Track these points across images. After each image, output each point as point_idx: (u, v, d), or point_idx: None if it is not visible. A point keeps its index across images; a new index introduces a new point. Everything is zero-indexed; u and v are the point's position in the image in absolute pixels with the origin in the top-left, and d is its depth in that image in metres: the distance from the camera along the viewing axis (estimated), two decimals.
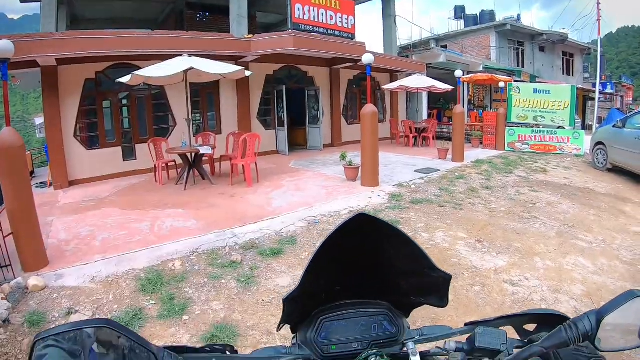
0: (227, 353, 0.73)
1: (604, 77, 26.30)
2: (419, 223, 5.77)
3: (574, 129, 12.70)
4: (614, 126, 9.60)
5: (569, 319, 0.65)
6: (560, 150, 12.24)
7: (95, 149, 9.05)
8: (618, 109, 21.59)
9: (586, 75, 29.44)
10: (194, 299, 3.65)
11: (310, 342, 0.77)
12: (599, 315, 0.59)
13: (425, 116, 16.83)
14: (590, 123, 20.92)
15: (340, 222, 0.70)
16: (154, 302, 3.58)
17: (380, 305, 0.80)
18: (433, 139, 13.76)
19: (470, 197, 7.18)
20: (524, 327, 0.78)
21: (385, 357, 0.72)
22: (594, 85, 20.39)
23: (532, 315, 0.75)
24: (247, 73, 7.42)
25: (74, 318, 3.33)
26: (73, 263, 4.24)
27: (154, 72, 6.63)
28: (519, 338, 0.77)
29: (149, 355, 0.53)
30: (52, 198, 7.43)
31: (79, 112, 8.65)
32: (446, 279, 0.78)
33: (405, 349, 0.77)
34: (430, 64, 16.30)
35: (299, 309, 0.79)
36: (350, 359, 0.75)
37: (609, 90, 26.69)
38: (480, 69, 18.01)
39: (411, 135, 13.65)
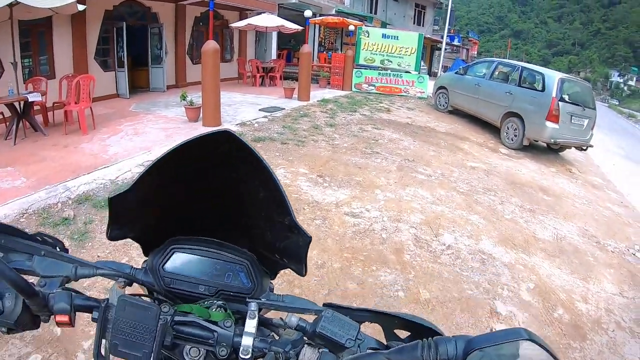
0: (57, 249, 0.72)
1: (452, 30, 29.77)
2: None
3: (419, 73, 14.17)
4: (456, 73, 11.34)
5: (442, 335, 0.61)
6: (405, 92, 13.85)
7: None
8: (463, 60, 24.86)
9: (436, 27, 33.13)
10: None
11: (155, 270, 0.75)
12: (470, 344, 0.55)
13: (274, 56, 17.35)
14: (435, 70, 23.73)
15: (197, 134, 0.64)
16: None
17: (243, 254, 0.78)
18: (281, 78, 14.50)
19: (314, 135, 7.32)
20: (394, 330, 0.72)
21: (229, 311, 0.72)
22: (442, 36, 22.89)
23: (405, 320, 0.70)
24: (80, 7, 7.14)
25: None
26: None
27: None
28: (385, 341, 0.71)
29: None
30: None
31: None
32: (305, 240, 0.74)
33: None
34: (282, 4, 16.54)
35: (136, 222, 0.78)
36: (192, 300, 0.74)
37: (456, 42, 30.55)
38: (333, 12, 19.20)
39: (258, 75, 13.92)
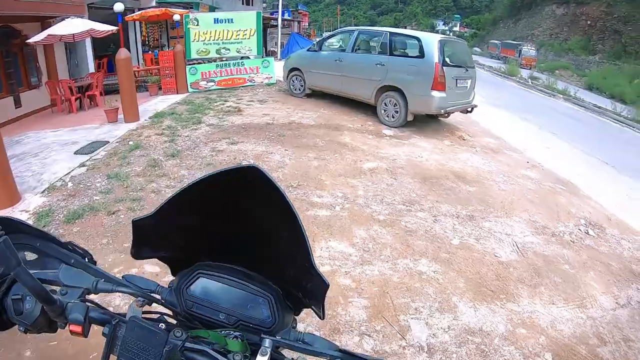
0: (86, 260, 0.77)
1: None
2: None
3: (262, 57, 12.65)
4: (309, 50, 9.93)
5: None
6: (250, 81, 12.31)
7: None
8: (298, 34, 24.12)
9: (264, 4, 31.90)
10: None
11: (179, 292, 0.79)
12: None
13: (92, 69, 13.91)
14: (272, 49, 22.50)
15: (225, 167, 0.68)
16: None
17: (268, 288, 0.79)
18: (101, 95, 11.67)
19: (153, 179, 5.04)
20: None
21: (245, 342, 0.73)
22: (272, 14, 21.68)
23: None
24: None
25: None
26: None
27: None
28: None
29: None
30: None
31: None
32: (324, 286, 0.74)
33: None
34: (92, 3, 13.25)
35: (164, 243, 0.83)
36: (211, 326, 0.76)
37: (287, 17, 29.77)
38: (153, 4, 16.85)
39: (73, 98, 10.61)
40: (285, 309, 0.80)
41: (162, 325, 0.71)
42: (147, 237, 0.79)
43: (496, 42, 37.93)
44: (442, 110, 7.30)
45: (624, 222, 5.34)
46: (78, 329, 0.68)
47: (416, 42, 7.42)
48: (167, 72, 11.61)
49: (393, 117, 7.74)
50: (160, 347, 0.65)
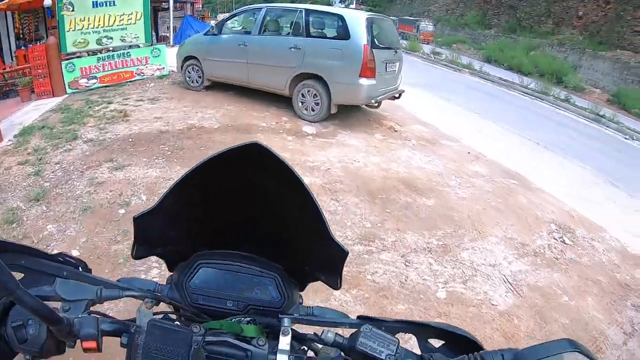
0: (80, 269, 0.74)
1: None
2: None
3: (151, 44, 10.74)
4: (207, 34, 8.30)
5: (481, 347, 0.66)
6: (139, 75, 10.29)
7: None
8: (191, 16, 22.04)
9: None
10: None
11: (181, 286, 0.77)
12: (518, 357, 0.58)
13: None
14: (164, 34, 20.31)
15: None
16: None
17: (271, 267, 0.79)
18: None
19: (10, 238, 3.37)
20: (428, 340, 0.73)
21: (259, 326, 0.73)
22: None
23: (441, 330, 0.71)
24: None
25: None
26: None
27: None
28: (419, 352, 0.72)
29: None
30: None
31: None
32: (342, 254, 0.75)
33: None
34: None
35: (161, 239, 0.81)
36: (220, 316, 0.75)
37: None
38: None
39: None
40: (291, 286, 0.79)
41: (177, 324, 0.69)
42: (147, 234, 0.77)
43: (394, 18, 38.23)
44: (373, 100, 6.38)
45: (585, 217, 5.10)
46: (92, 344, 0.64)
47: (339, 20, 6.35)
48: (39, 71, 9.19)
49: (313, 111, 6.66)
50: (187, 346, 0.61)
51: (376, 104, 6.86)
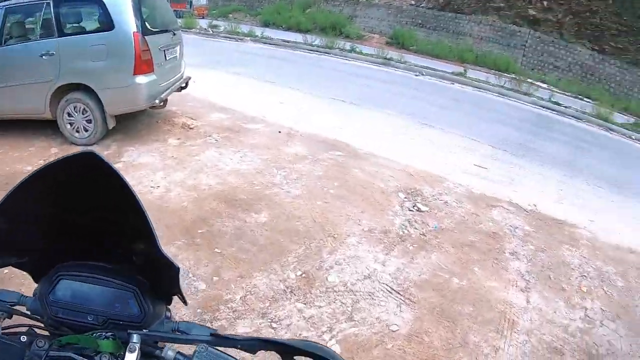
0: None
1: None
2: None
3: None
4: None
5: None
6: None
7: None
8: None
9: None
10: None
11: (42, 298, 0.76)
12: None
13: None
14: None
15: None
16: None
17: (132, 280, 0.76)
18: None
19: None
20: (294, 358, 0.72)
21: (118, 341, 0.71)
22: None
23: (303, 348, 0.69)
24: None
25: None
26: None
27: None
28: None
29: None
30: None
31: None
32: (173, 269, 0.72)
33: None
34: None
35: (12, 246, 0.77)
36: (82, 330, 0.73)
37: None
38: None
39: None
40: (154, 300, 0.77)
41: (24, 338, 0.70)
42: None
43: None
44: (157, 100, 5.08)
45: (421, 170, 5.03)
46: None
47: (98, 6, 4.78)
48: None
49: (86, 131, 5.05)
50: (19, 359, 0.63)
51: (162, 104, 5.52)
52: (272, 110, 6.65)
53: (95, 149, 4.99)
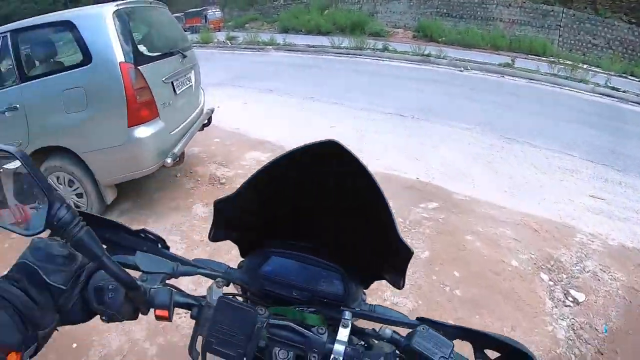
0: (159, 246, 0.77)
1: None
2: None
3: None
4: None
5: None
6: None
7: None
8: None
9: None
10: None
11: (252, 272, 0.80)
12: None
13: None
14: None
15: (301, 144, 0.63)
16: None
17: (339, 262, 0.79)
18: None
19: None
20: (485, 350, 0.71)
21: (321, 316, 0.74)
22: None
23: (499, 342, 0.68)
24: None
25: None
26: None
27: None
28: None
29: (44, 198, 0.52)
30: None
31: None
32: (407, 255, 0.71)
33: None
34: None
35: (239, 225, 0.82)
36: (285, 303, 0.77)
37: None
38: None
39: None
40: (355, 282, 0.80)
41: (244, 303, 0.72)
42: (225, 219, 0.78)
43: (179, 15, 34.54)
44: (169, 159, 3.34)
45: (539, 215, 3.50)
46: (164, 313, 0.68)
47: (67, 30, 3.14)
48: None
49: (78, 208, 3.39)
50: (251, 324, 0.65)
51: (177, 160, 3.57)
52: (332, 136, 4.85)
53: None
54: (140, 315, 0.69)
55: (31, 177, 0.51)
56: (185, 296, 0.71)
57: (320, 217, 0.78)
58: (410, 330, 0.69)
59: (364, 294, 0.84)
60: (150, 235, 0.76)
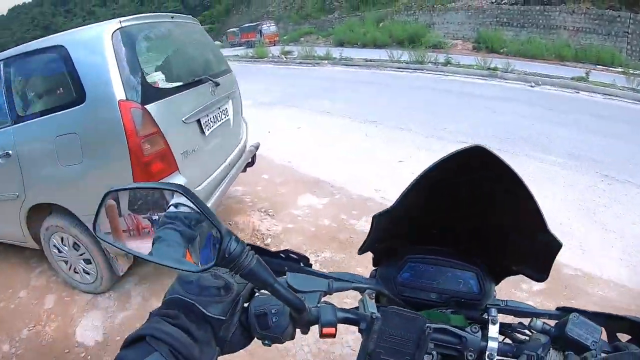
0: (301, 265, 0.76)
1: None
2: None
3: None
4: None
5: None
6: None
7: None
8: None
9: None
10: None
11: (390, 280, 0.78)
12: None
13: None
14: None
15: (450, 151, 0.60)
16: None
17: (472, 262, 0.77)
18: None
19: None
20: (617, 334, 0.71)
21: (463, 316, 0.73)
22: None
23: (632, 322, 0.68)
24: None
25: None
26: None
27: None
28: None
29: (215, 232, 0.53)
30: None
31: None
32: (555, 247, 0.67)
33: (485, 315, 0.72)
34: None
35: (386, 237, 0.79)
36: (422, 307, 0.75)
37: None
38: None
39: None
40: (490, 279, 0.77)
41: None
42: (378, 232, 0.74)
43: (234, 29, 34.95)
44: None
45: None
46: (331, 330, 0.67)
47: (60, 59, 2.40)
48: None
49: (88, 274, 2.78)
50: (418, 331, 0.65)
51: None
52: (396, 180, 3.91)
53: (106, 301, 2.72)
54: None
55: (199, 212, 0.51)
56: (345, 311, 0.70)
57: (459, 220, 0.75)
58: (558, 319, 0.69)
59: (495, 290, 0.79)
60: (293, 255, 0.74)
